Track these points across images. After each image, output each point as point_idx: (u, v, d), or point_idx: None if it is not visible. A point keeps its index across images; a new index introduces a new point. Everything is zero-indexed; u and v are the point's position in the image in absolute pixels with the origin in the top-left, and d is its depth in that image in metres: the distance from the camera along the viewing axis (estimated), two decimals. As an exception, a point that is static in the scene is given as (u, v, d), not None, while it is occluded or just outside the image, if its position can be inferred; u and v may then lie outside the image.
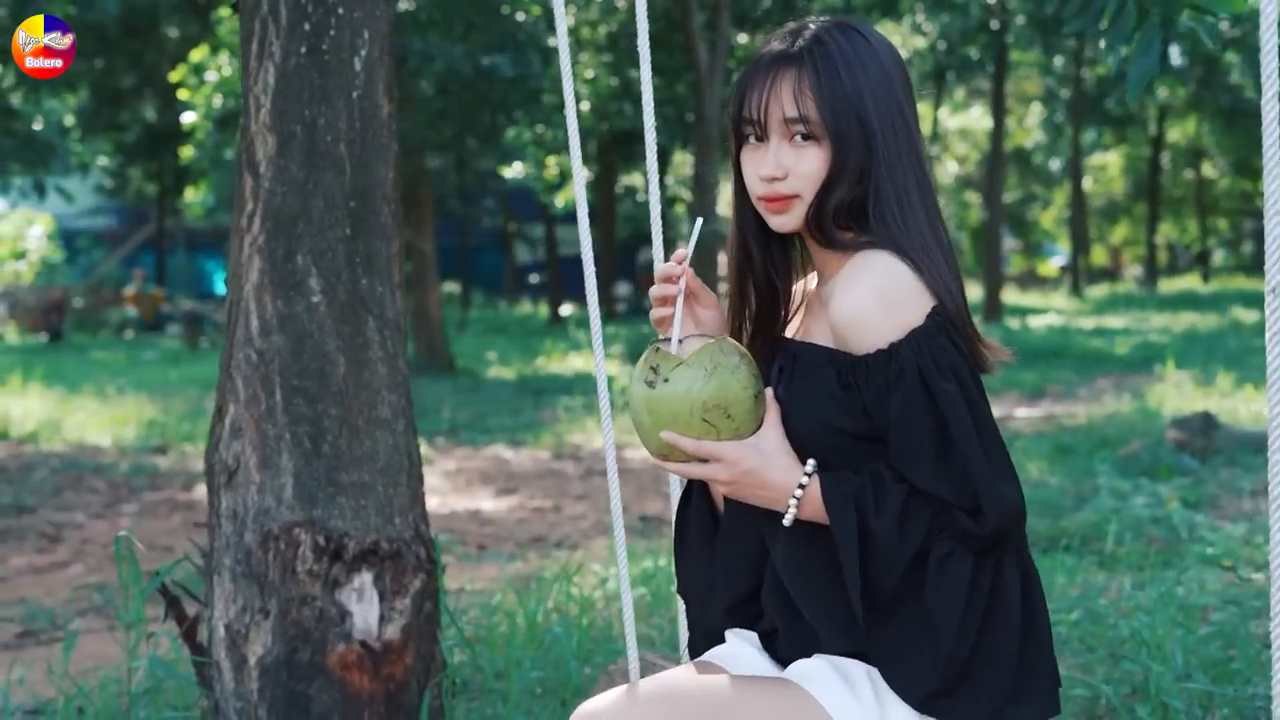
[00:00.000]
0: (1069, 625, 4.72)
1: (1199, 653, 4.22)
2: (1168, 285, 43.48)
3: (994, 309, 26.31)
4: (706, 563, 2.36)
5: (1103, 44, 4.10)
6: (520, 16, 16.74)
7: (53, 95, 18.39)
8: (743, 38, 22.78)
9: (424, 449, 10.59)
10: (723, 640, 2.36)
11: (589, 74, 18.99)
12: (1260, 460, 8.45)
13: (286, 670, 3.31)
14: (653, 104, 2.78)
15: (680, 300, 2.20)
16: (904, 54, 25.96)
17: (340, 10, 3.47)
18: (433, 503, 8.81)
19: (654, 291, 2.25)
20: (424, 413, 13.61)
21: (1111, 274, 51.67)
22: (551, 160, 18.07)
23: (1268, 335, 2.00)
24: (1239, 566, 5.71)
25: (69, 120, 29.18)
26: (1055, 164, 45.08)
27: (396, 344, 3.54)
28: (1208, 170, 45.12)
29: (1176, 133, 42.37)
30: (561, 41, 2.64)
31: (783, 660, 2.26)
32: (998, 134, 27.06)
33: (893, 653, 2.10)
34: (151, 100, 29.64)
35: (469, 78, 15.99)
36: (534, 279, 41.61)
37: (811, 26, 2.21)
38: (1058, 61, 33.35)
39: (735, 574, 2.32)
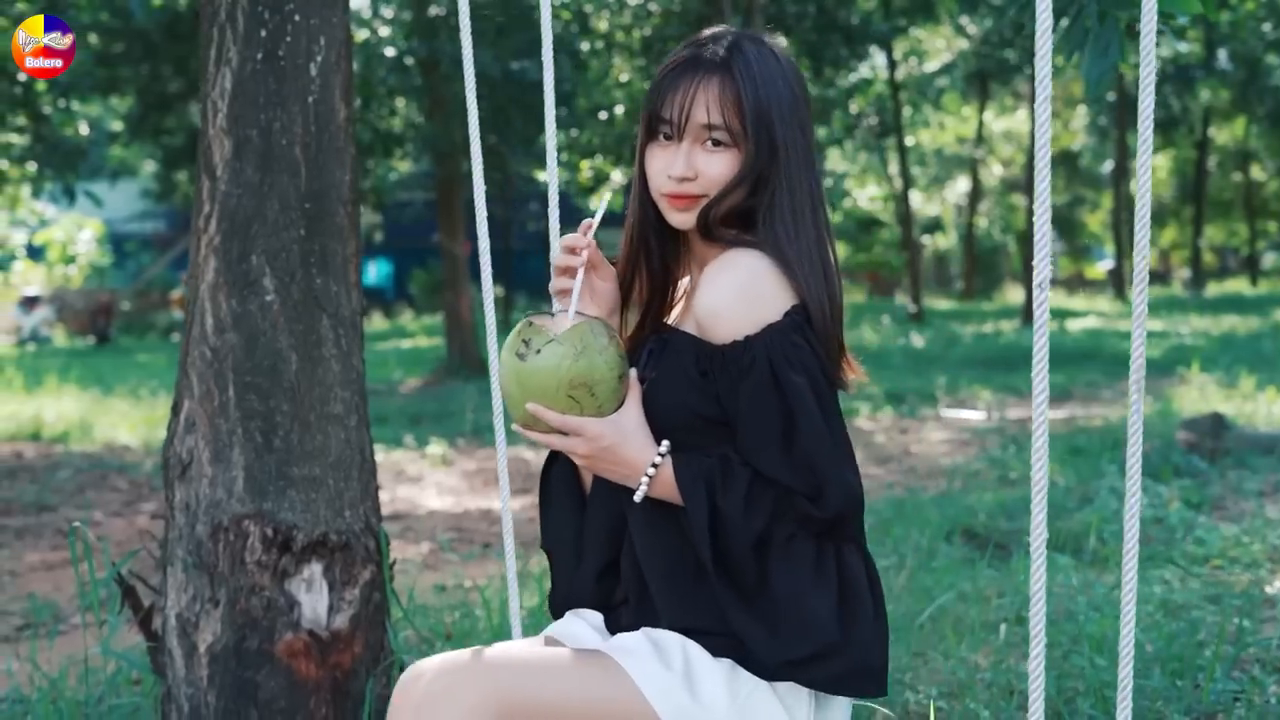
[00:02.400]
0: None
1: (1163, 649, 4.26)
2: (1216, 289, 43.20)
3: (1033, 312, 26.23)
4: (569, 519, 2.48)
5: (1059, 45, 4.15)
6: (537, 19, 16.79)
7: (84, 100, 18.56)
8: (782, 41, 22.83)
9: (444, 450, 10.81)
10: (580, 605, 2.47)
11: (623, 78, 19.06)
12: (1270, 462, 8.44)
13: (235, 658, 3.41)
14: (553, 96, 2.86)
15: (581, 273, 2.30)
16: (947, 56, 25.89)
17: (297, 17, 3.57)
18: (446, 501, 8.94)
19: (556, 261, 2.35)
20: (449, 415, 13.74)
21: (1160, 277, 51.36)
22: (585, 164, 18.15)
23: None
24: (1226, 566, 5.74)
25: (116, 125, 29.52)
26: (1107, 166, 44.87)
27: (351, 342, 3.63)
28: (1256, 173, 44.79)
29: (1225, 135, 42.07)
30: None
31: (628, 630, 2.36)
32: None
33: (744, 630, 2.21)
34: (197, 105, 29.93)
35: (499, 82, 16.11)
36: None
37: (730, 37, 2.32)
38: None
39: (598, 542, 2.43)
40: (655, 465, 2.22)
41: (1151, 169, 2.21)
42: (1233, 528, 6.52)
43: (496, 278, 38.27)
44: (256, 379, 3.49)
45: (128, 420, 13.01)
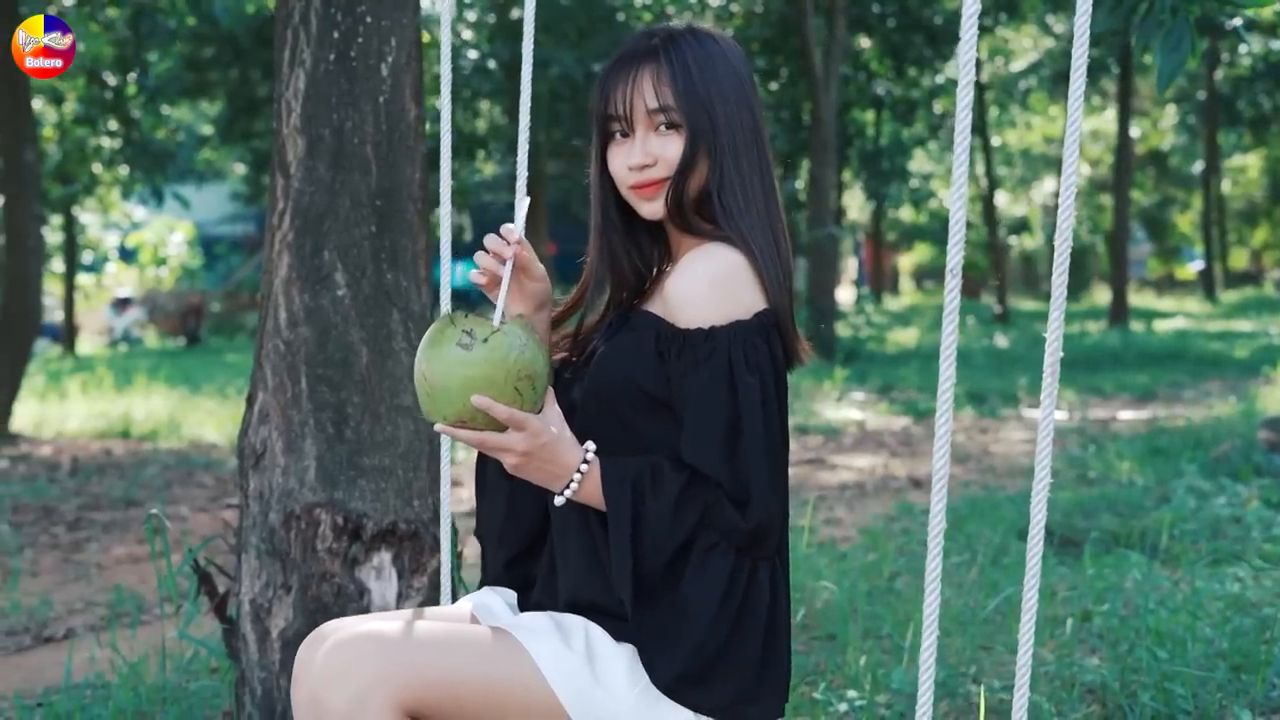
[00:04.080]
0: (1101, 616, 4.78)
1: (1231, 645, 4.27)
2: (1309, 288, 42.64)
3: (1120, 313, 26.01)
4: (502, 507, 2.49)
5: (1133, 40, 4.16)
6: (621, 20, 16.90)
7: (174, 104, 18.88)
8: (865, 41, 22.78)
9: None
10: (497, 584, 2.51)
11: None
12: (1352, 461, 8.37)
13: (306, 643, 3.50)
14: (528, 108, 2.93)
15: (508, 273, 2.30)
16: (1033, 55, 25.72)
17: (369, 19, 3.65)
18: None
19: (480, 260, 2.33)
20: (529, 413, 13.82)
21: (1253, 278, 50.71)
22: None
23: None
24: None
25: (206, 130, 29.95)
26: (1197, 166, 44.38)
27: (421, 335, 3.71)
28: (1351, 172, 44.12)
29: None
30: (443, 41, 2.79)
31: (536, 610, 2.39)
32: (1124, 137, 26.73)
33: (650, 634, 2.21)
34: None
35: (580, 83, 16.21)
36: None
37: (665, 29, 2.39)
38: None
39: (521, 528, 2.47)
40: (586, 462, 2.21)
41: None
42: (1313, 527, 6.48)
43: (577, 276, 38.35)
44: (328, 371, 3.58)
45: (214, 418, 13.22)
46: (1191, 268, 53.24)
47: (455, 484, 9.34)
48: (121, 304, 33.37)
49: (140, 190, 21.23)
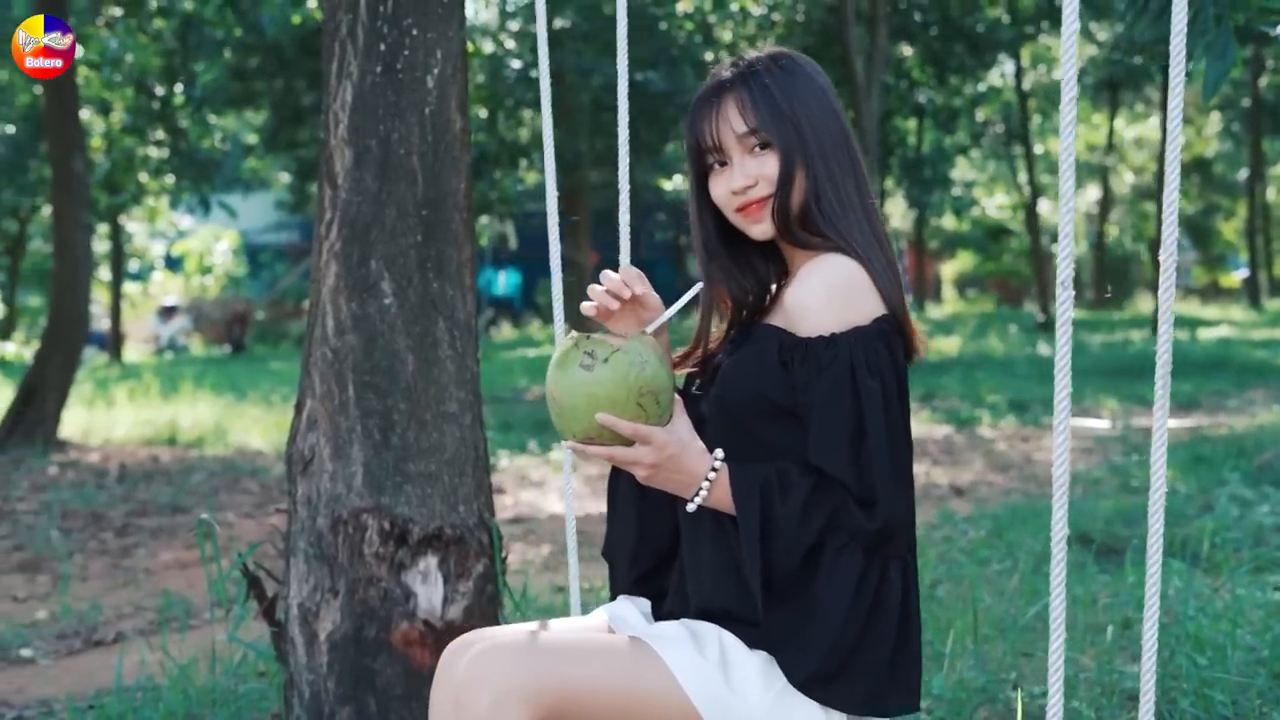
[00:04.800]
0: (1141, 622, 4.78)
1: (1272, 653, 4.27)
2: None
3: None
4: (632, 530, 2.56)
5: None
6: (663, 29, 16.96)
7: (220, 114, 19.04)
8: (907, 50, 22.77)
9: (564, 454, 10.94)
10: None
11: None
12: (1396, 470, 8.34)
13: (354, 646, 3.56)
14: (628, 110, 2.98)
15: (661, 319, 2.40)
16: (1078, 63, 25.74)
17: (414, 31, 3.71)
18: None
19: (596, 294, 2.40)
20: (572, 420, 13.88)
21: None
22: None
23: None
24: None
25: (252, 139, 30.15)
26: (1243, 173, 44.09)
27: (466, 343, 3.77)
28: None
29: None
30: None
31: (670, 619, 2.44)
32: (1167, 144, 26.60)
33: (783, 635, 2.27)
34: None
35: (623, 92, 16.28)
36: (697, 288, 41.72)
37: (743, 57, 2.47)
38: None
39: (651, 547, 2.54)
40: (715, 470, 2.29)
41: None
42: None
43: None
44: (375, 379, 3.64)
45: (260, 425, 13.32)
46: (1236, 275, 52.86)
47: (498, 491, 9.41)
48: (167, 312, 33.62)
49: (187, 199, 21.41)
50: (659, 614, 2.52)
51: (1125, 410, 13.82)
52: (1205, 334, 25.92)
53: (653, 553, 2.54)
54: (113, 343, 27.83)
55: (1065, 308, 2.24)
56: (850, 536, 2.25)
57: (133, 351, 31.78)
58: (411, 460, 3.64)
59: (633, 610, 2.53)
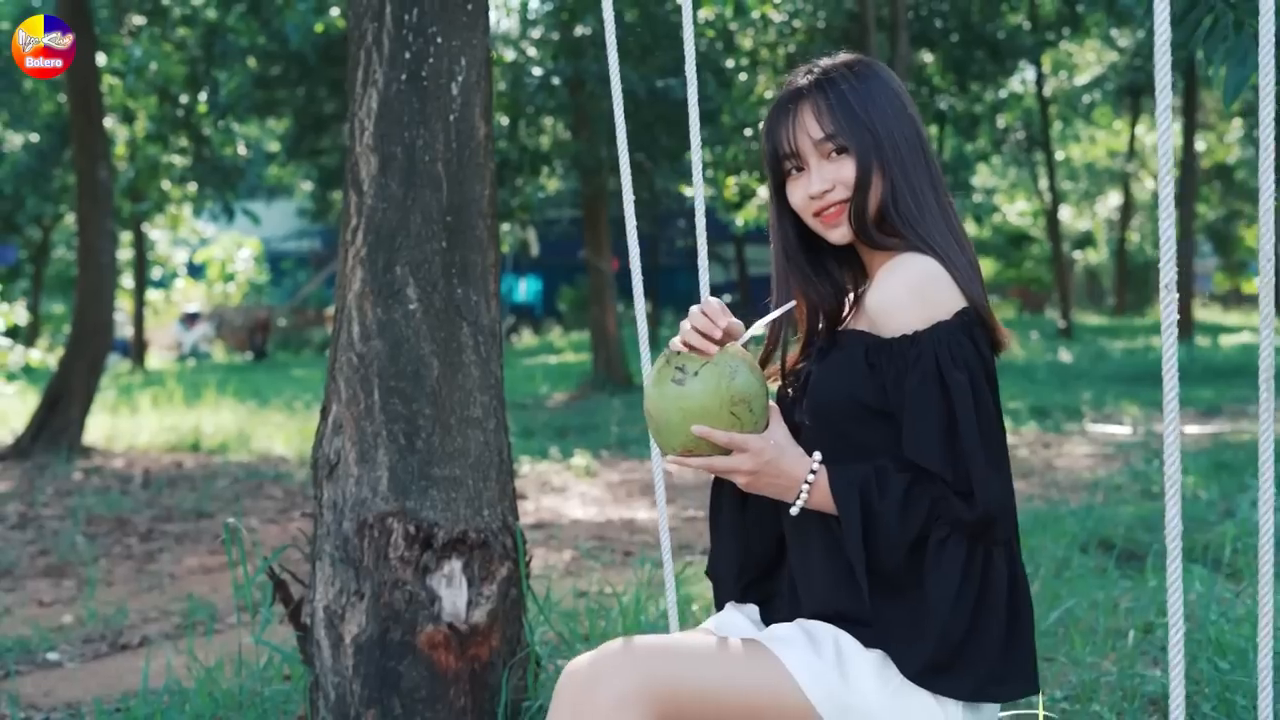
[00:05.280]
0: (1164, 628, 4.80)
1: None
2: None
3: (1185, 327, 25.83)
4: (735, 545, 2.60)
5: (1199, 54, 4.19)
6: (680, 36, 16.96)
7: (243, 122, 19.11)
8: (927, 56, 22.76)
9: (588, 461, 10.99)
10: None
11: (768, 94, 19.16)
12: None
13: (379, 648, 3.59)
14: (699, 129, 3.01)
15: (747, 335, 2.42)
16: (1097, 69, 25.44)
17: (439, 39, 3.75)
18: (590, 511, 9.10)
19: (688, 330, 2.37)
20: (593, 428, 13.94)
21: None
22: (731, 180, 18.27)
23: None
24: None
25: (274, 147, 30.23)
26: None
27: (490, 349, 3.80)
28: None
29: None
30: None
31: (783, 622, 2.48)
32: (1189, 151, 26.58)
33: (894, 629, 2.31)
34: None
35: (645, 99, 16.31)
36: (726, 299, 41.75)
37: (817, 64, 2.52)
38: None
39: (756, 562, 2.58)
40: (814, 472, 2.34)
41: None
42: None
43: (644, 293, 38.49)
44: (400, 384, 3.67)
45: (283, 432, 13.38)
46: (1258, 282, 52.63)
47: (520, 496, 9.44)
48: (190, 319, 33.76)
49: (210, 207, 21.51)
50: (768, 619, 2.56)
51: (1147, 416, 13.81)
52: (1227, 340, 25.87)
53: (757, 563, 2.59)
54: (136, 350, 27.94)
55: (1170, 310, 2.27)
56: (952, 527, 2.28)
57: (156, 359, 31.91)
58: (436, 465, 3.67)
59: (741, 618, 2.57)
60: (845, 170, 2.42)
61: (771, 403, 2.39)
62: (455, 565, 3.64)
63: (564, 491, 10.07)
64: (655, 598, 5.20)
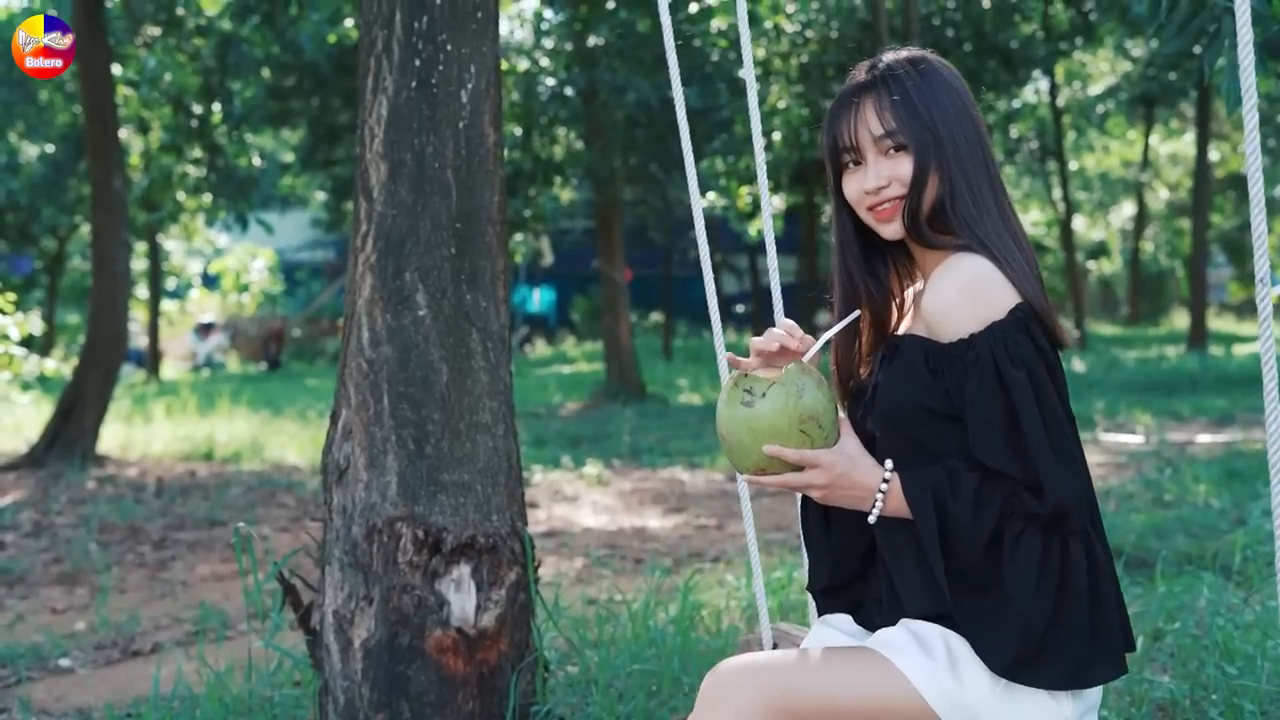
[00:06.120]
0: (1173, 635, 4.81)
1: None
2: None
3: (1199, 337, 25.79)
4: (828, 559, 2.64)
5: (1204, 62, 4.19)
6: (697, 45, 17.02)
7: (257, 132, 19.17)
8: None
9: (600, 470, 11.00)
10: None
11: (780, 104, 19.19)
12: None
13: (388, 652, 3.61)
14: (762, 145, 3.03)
15: (812, 351, 2.45)
16: (1111, 79, 25.35)
17: (449, 47, 3.77)
18: (601, 520, 9.11)
19: (758, 348, 2.43)
20: (606, 437, 13.95)
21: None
22: (743, 190, 18.31)
23: None
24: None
25: (288, 157, 30.33)
26: (1280, 190, 43.84)
27: (499, 354, 3.82)
28: None
29: None
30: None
31: (876, 629, 2.52)
32: (1202, 161, 26.56)
33: (978, 626, 2.34)
34: (363, 134, 30.46)
35: (657, 109, 16.34)
36: (739, 309, 41.81)
37: (881, 59, 2.52)
38: (1263, 85, 32.48)
39: (844, 560, 2.62)
40: (886, 481, 2.36)
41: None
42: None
43: (657, 304, 38.56)
44: (410, 389, 3.69)
45: (296, 441, 13.40)
46: (1276, 291, 52.55)
47: (532, 505, 9.46)
48: (204, 329, 33.84)
49: (224, 217, 21.59)
50: (866, 624, 2.59)
51: (1159, 425, 13.79)
52: (1241, 350, 25.82)
53: (851, 575, 2.62)
54: (151, 360, 28.01)
55: (1265, 306, 2.28)
56: (1026, 521, 2.30)
57: (170, 369, 31.98)
58: (445, 470, 3.68)
59: (834, 632, 2.61)
60: (902, 168, 2.43)
61: (842, 415, 2.43)
62: (464, 570, 3.66)
63: (576, 500, 10.07)
64: (665, 604, 5.21)
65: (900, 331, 2.55)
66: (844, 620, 2.64)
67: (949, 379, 2.34)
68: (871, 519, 2.39)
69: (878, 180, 2.44)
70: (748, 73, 2.94)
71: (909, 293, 2.60)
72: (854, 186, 2.49)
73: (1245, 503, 8.22)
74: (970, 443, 2.33)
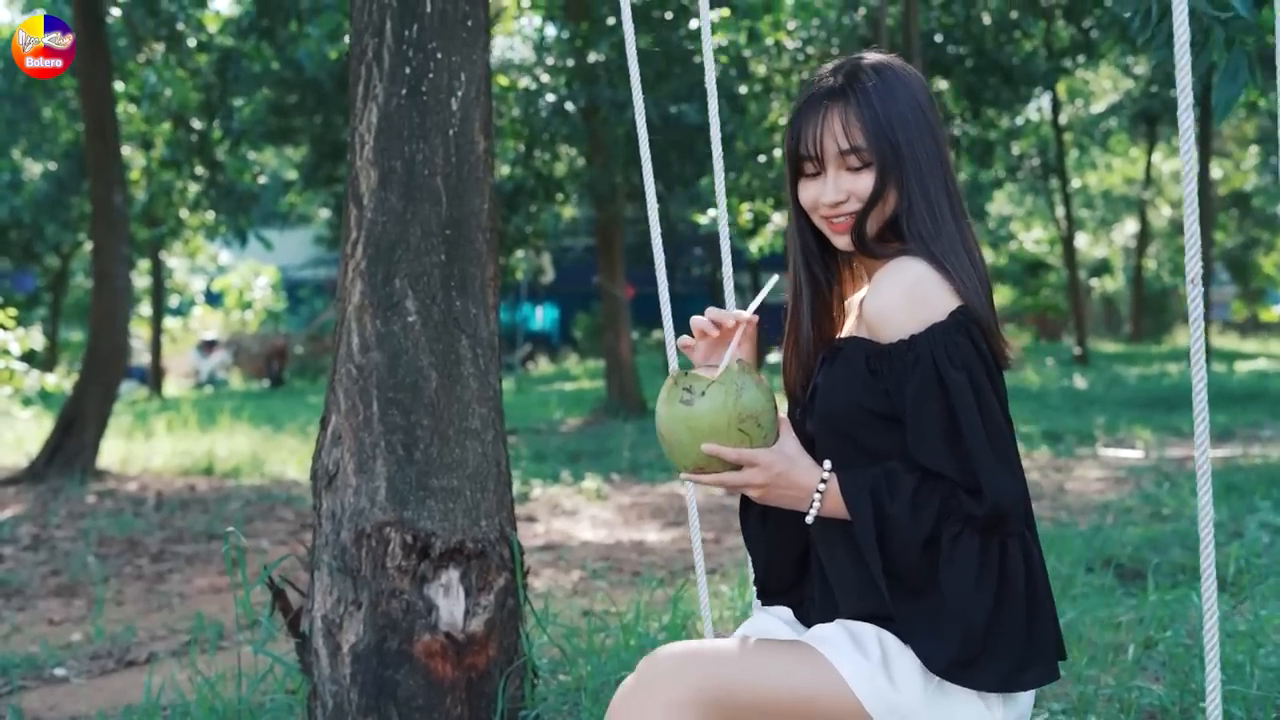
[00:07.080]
0: (1164, 643, 4.81)
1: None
2: None
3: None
4: (763, 552, 2.65)
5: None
6: (697, 62, 17.03)
7: (258, 149, 19.20)
8: (942, 84, 22.81)
9: (599, 485, 11.00)
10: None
11: (782, 121, 19.21)
12: None
13: (376, 657, 3.62)
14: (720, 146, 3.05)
15: (738, 335, 2.44)
16: (1113, 97, 25.37)
17: (439, 55, 3.79)
18: (599, 534, 9.11)
19: (698, 325, 2.47)
20: (606, 452, 13.95)
21: None
22: (744, 206, 18.32)
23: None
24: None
25: (291, 175, 30.39)
26: (1284, 207, 43.82)
27: (489, 361, 3.83)
28: None
29: None
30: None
31: (811, 625, 2.54)
32: (1204, 177, 26.59)
33: (916, 626, 2.35)
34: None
35: (658, 125, 16.37)
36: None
37: (848, 65, 2.52)
38: (1265, 102, 32.57)
39: (788, 563, 2.63)
40: (824, 482, 2.37)
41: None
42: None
43: (659, 321, 38.51)
44: (399, 395, 3.70)
45: (296, 456, 13.42)
46: (1277, 310, 52.55)
47: (531, 519, 9.46)
48: (207, 347, 33.88)
49: (224, 233, 21.64)
50: (805, 622, 2.60)
51: (1159, 441, 13.79)
52: (1243, 367, 25.82)
53: (792, 566, 2.63)
54: (153, 377, 28.04)
55: (1196, 307, 2.29)
56: (964, 523, 2.31)
57: (173, 386, 32.03)
58: (434, 475, 3.70)
59: (774, 621, 2.62)
60: (862, 183, 2.45)
61: (782, 415, 2.43)
62: (453, 575, 3.67)
63: (574, 514, 10.08)
64: (657, 614, 5.22)
65: (842, 335, 2.56)
66: (785, 612, 2.65)
67: (889, 380, 2.35)
68: (809, 519, 2.40)
69: (836, 195, 2.46)
70: (709, 81, 2.94)
71: (854, 298, 2.60)
72: (811, 194, 2.50)
73: (1242, 516, 8.22)
74: (909, 443, 2.34)
